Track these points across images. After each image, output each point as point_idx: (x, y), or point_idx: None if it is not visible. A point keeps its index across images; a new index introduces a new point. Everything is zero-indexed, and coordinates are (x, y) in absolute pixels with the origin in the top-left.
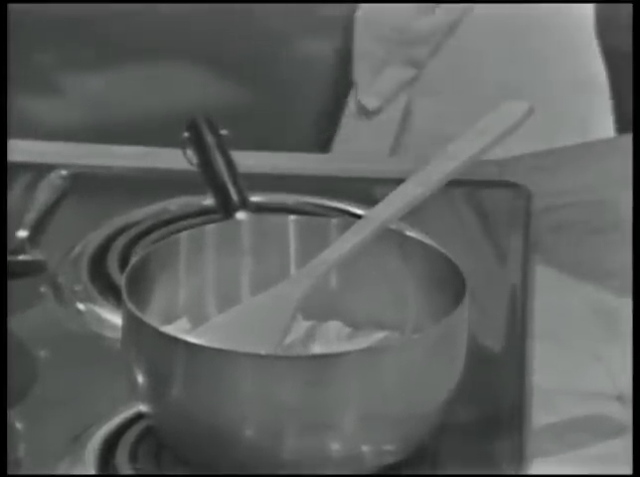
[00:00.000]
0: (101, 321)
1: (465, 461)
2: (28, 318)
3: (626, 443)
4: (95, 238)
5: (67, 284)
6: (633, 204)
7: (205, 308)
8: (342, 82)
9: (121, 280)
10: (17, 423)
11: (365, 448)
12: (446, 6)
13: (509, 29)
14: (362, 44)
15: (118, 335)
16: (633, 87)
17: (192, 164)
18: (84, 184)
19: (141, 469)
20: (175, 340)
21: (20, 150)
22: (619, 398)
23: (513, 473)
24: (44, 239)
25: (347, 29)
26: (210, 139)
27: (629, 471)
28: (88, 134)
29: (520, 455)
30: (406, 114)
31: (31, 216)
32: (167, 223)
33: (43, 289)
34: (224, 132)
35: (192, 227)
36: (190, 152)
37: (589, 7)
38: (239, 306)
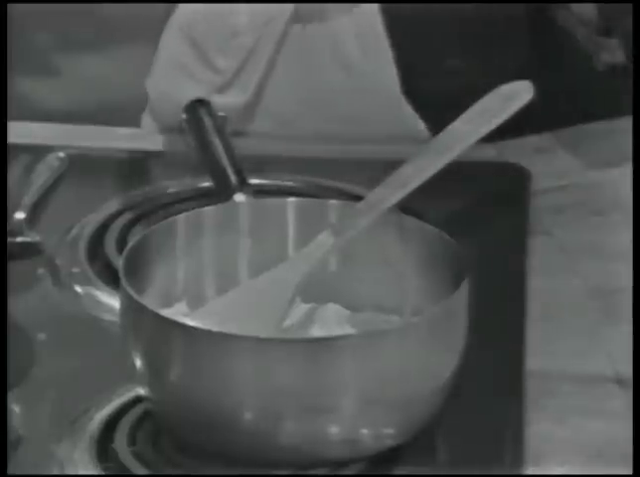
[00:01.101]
0: (99, 303)
1: (465, 446)
2: (25, 300)
3: (626, 427)
4: (93, 220)
5: (64, 266)
6: (633, 185)
7: (203, 290)
8: None
9: (119, 262)
10: (15, 406)
11: (364, 432)
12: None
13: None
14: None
15: (116, 318)
16: (633, 71)
17: (190, 146)
18: (82, 166)
19: (140, 453)
20: (173, 323)
21: (17, 132)
22: (619, 382)
23: (519, 472)
24: (41, 221)
25: None
26: (208, 122)
27: (629, 464)
28: (86, 116)
29: (520, 440)
30: None
31: (28, 197)
32: (165, 205)
33: (40, 271)
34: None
35: (190, 209)
36: (188, 134)
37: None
38: (237, 289)
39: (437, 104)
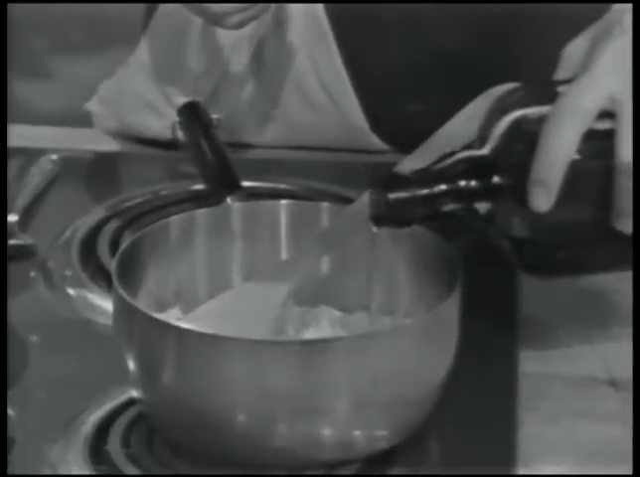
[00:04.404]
0: (92, 306)
1: (457, 447)
2: (18, 303)
3: (619, 429)
4: (86, 223)
5: (57, 269)
6: (633, 184)
7: (196, 293)
8: None
9: (112, 265)
10: (8, 408)
11: (357, 434)
12: None
13: None
14: None
15: (109, 320)
16: (633, 85)
17: (182, 149)
18: (75, 168)
19: (133, 454)
20: (166, 326)
21: (11, 135)
22: (612, 384)
23: (511, 473)
24: (34, 224)
25: None
26: (201, 124)
27: (623, 465)
28: (80, 119)
29: (512, 441)
30: None
31: (21, 200)
32: (158, 207)
33: (33, 274)
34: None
35: (183, 211)
36: (181, 137)
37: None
38: (230, 292)
39: (405, 144)
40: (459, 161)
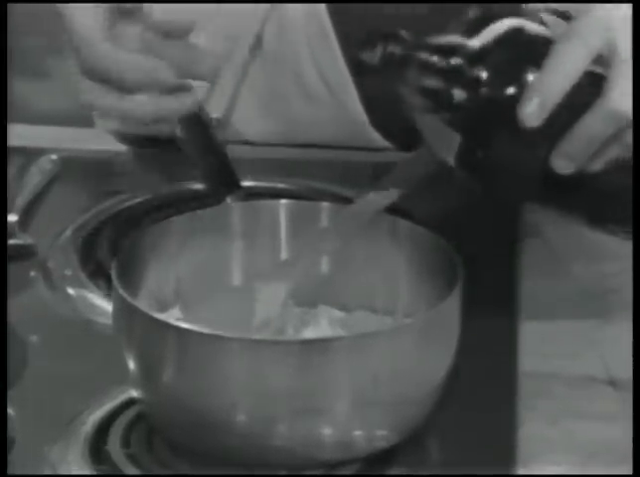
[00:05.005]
0: (92, 306)
1: (457, 447)
2: (17, 303)
3: (619, 429)
4: (86, 223)
5: (57, 269)
6: (633, 188)
7: (196, 293)
8: None
9: (112, 265)
10: (9, 409)
11: (357, 433)
12: None
13: None
14: None
15: (109, 320)
16: (633, 87)
17: (182, 148)
18: (75, 168)
19: (133, 454)
20: (166, 325)
21: (10, 134)
22: (611, 383)
23: (511, 473)
24: (34, 224)
25: None
26: (201, 124)
27: (622, 465)
28: (79, 118)
29: (512, 441)
30: None
31: (21, 200)
32: (158, 207)
33: (33, 274)
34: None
35: (183, 211)
36: (181, 137)
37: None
38: (230, 292)
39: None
40: (450, 43)
